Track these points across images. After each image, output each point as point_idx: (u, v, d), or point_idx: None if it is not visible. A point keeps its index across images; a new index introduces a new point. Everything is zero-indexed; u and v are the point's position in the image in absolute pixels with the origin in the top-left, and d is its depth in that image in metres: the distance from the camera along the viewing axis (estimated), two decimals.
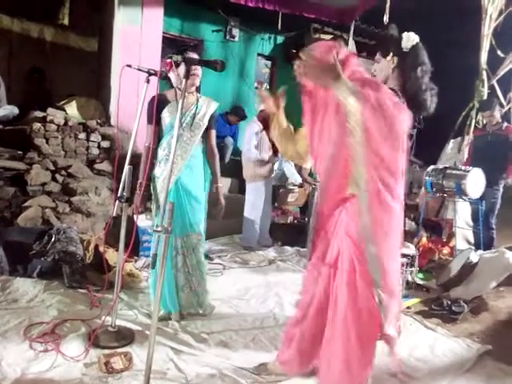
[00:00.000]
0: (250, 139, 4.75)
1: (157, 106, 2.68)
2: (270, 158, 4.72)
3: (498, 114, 4.79)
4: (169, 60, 2.64)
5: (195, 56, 2.65)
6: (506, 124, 4.75)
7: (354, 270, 1.89)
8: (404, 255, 3.47)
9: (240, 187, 5.66)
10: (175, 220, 2.67)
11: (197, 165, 2.81)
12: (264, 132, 4.71)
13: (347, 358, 1.91)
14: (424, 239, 4.66)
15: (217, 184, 2.90)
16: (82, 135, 4.56)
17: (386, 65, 2.53)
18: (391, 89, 2.50)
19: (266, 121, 4.77)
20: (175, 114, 2.69)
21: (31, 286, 3.07)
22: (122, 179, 2.34)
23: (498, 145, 4.64)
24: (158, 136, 2.81)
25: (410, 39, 2.48)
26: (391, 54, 2.50)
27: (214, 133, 2.91)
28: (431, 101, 2.52)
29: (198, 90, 2.88)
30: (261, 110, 4.86)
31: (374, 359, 1.99)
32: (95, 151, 4.64)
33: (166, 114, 2.75)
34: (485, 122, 5.32)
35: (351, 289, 1.89)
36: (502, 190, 4.68)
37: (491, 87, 6.34)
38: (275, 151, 4.72)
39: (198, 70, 2.73)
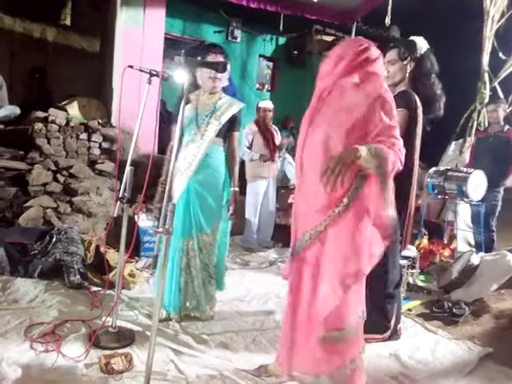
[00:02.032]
0: (243, 140, 4.90)
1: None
2: (261, 156, 4.76)
3: (501, 112, 4.78)
4: None
5: (220, 58, 2.68)
6: (507, 126, 4.75)
7: (318, 263, 1.92)
8: (405, 257, 3.47)
9: (241, 188, 5.66)
10: (184, 220, 2.71)
11: (214, 164, 2.77)
12: (258, 134, 4.79)
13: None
14: (425, 241, 4.65)
15: (233, 188, 2.83)
16: (84, 135, 4.58)
17: (402, 68, 2.58)
18: (406, 91, 2.56)
19: (259, 123, 4.84)
20: (191, 114, 2.75)
21: (32, 287, 3.07)
22: (124, 180, 2.34)
23: (499, 147, 4.63)
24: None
25: (423, 45, 2.54)
26: (409, 58, 2.55)
27: (235, 135, 2.85)
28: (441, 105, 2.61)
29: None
30: (258, 107, 4.91)
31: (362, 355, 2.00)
32: (97, 151, 4.65)
33: (185, 114, 2.77)
34: (487, 118, 5.31)
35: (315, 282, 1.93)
36: (502, 192, 4.68)
37: (493, 89, 6.33)
38: (273, 150, 4.79)
39: (219, 73, 2.69)
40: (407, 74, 2.59)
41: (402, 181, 2.57)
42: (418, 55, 2.56)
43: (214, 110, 2.75)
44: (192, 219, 2.73)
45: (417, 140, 2.57)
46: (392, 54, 2.61)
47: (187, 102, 2.80)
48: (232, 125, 2.80)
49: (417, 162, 2.61)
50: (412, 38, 2.59)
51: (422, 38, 2.58)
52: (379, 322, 2.66)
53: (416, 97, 2.53)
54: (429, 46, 2.58)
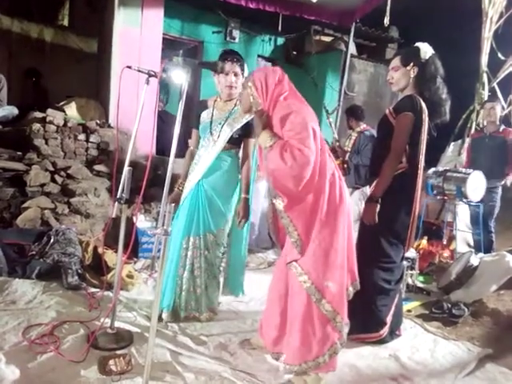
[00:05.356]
0: None
1: (198, 111, 2.82)
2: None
3: (498, 110, 4.79)
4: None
5: (236, 68, 2.68)
6: (503, 126, 4.75)
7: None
8: (405, 258, 3.46)
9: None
10: (191, 218, 2.73)
11: (225, 168, 2.77)
12: None
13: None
14: (424, 242, 4.65)
15: (244, 194, 2.79)
16: (82, 136, 4.56)
17: (405, 73, 2.63)
18: (411, 95, 2.58)
19: None
20: (206, 120, 2.77)
21: (30, 288, 3.05)
22: (122, 180, 2.33)
23: (496, 147, 4.62)
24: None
25: (427, 51, 2.57)
26: (412, 63, 2.59)
27: (249, 141, 2.80)
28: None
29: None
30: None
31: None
32: (94, 152, 4.64)
33: (201, 119, 2.81)
34: (485, 117, 5.32)
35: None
36: (500, 192, 4.66)
37: (492, 90, 6.34)
38: None
39: (235, 81, 2.70)
40: (411, 80, 2.62)
41: (406, 183, 2.58)
42: (423, 60, 2.58)
43: (228, 117, 2.74)
44: (201, 218, 2.74)
45: (421, 144, 2.59)
46: (395, 61, 2.68)
47: (204, 107, 2.81)
48: (246, 131, 2.76)
49: (421, 164, 2.63)
50: (417, 44, 2.63)
51: (426, 43, 2.61)
52: (374, 319, 2.66)
53: (421, 101, 2.55)
54: (434, 52, 2.60)
